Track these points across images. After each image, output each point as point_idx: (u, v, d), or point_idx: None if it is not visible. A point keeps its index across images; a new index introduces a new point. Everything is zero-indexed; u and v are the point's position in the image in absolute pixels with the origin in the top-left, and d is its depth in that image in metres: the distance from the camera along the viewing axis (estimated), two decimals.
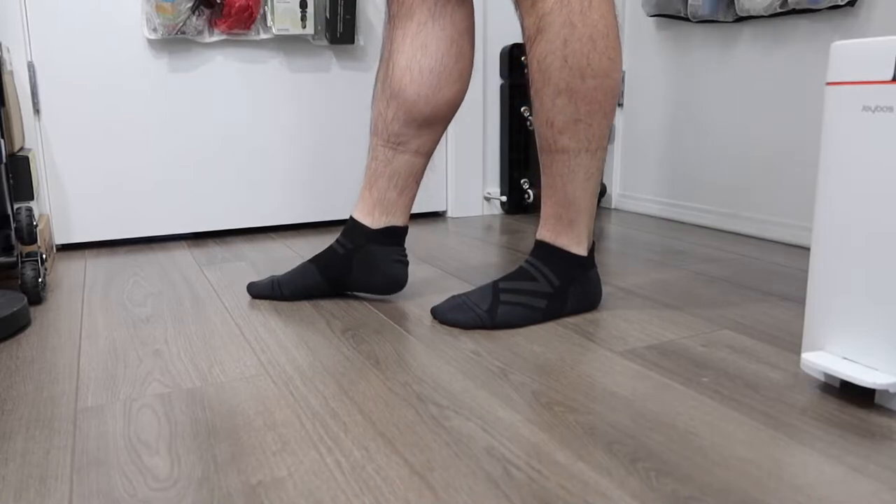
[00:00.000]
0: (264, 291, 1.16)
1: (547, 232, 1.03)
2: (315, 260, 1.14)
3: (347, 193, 1.83)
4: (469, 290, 1.19)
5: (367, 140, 1.82)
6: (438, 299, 1.15)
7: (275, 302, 1.15)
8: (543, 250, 1.04)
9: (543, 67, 0.94)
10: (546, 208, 1.03)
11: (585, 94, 0.93)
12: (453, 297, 1.05)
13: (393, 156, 1.09)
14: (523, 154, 2.00)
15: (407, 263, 1.13)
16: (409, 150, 1.09)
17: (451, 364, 0.87)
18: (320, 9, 1.67)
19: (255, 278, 1.30)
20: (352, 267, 1.11)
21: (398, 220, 1.12)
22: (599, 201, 2.13)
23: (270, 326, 1.03)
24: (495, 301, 1.01)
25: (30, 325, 1.05)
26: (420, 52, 1.03)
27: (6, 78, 1.24)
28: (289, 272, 1.16)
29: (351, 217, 1.12)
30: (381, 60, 1.09)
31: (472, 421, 0.72)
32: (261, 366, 0.88)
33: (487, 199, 2.01)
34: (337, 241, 1.13)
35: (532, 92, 0.98)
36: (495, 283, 1.04)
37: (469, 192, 1.97)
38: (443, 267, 1.37)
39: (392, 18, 1.06)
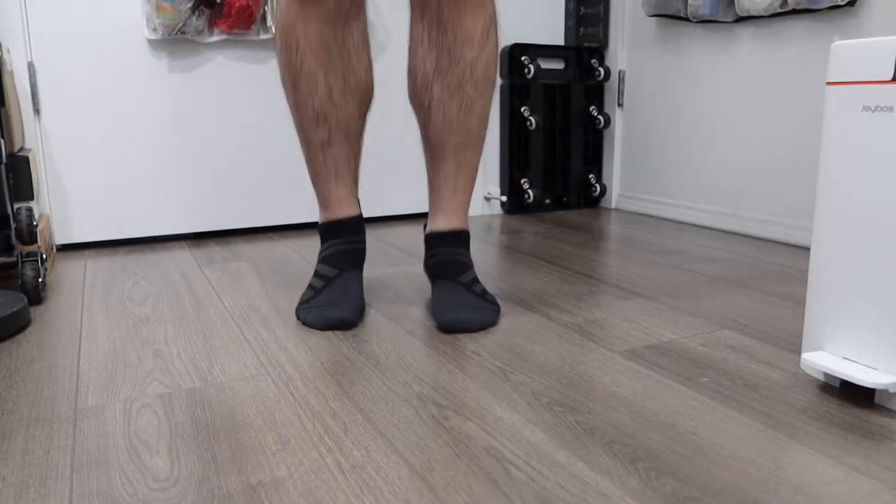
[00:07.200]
0: (339, 322, 1.01)
1: (461, 218, 1.13)
2: (355, 265, 1.10)
3: None
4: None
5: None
6: None
7: (274, 302, 1.15)
8: (460, 237, 1.12)
9: (490, 71, 1.08)
10: (460, 196, 1.13)
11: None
12: (439, 303, 1.04)
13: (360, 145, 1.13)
14: (524, 154, 2.00)
15: None
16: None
17: (451, 364, 0.87)
18: None
19: (256, 278, 1.30)
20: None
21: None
22: (599, 201, 2.14)
23: (270, 326, 1.03)
24: (483, 298, 1.06)
25: (30, 325, 1.05)
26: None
27: (6, 78, 1.24)
28: (335, 291, 1.05)
29: (361, 215, 1.13)
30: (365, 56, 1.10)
31: (472, 421, 0.72)
32: (261, 366, 0.88)
33: (487, 199, 2.01)
34: (357, 240, 1.10)
35: (466, 92, 1.07)
36: (461, 283, 1.07)
37: None
38: None
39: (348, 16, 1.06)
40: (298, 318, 1.05)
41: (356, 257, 1.10)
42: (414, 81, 1.09)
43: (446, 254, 1.10)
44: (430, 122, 1.09)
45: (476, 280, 1.09)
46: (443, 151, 1.09)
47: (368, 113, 1.11)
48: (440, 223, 1.12)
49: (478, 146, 1.11)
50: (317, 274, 1.09)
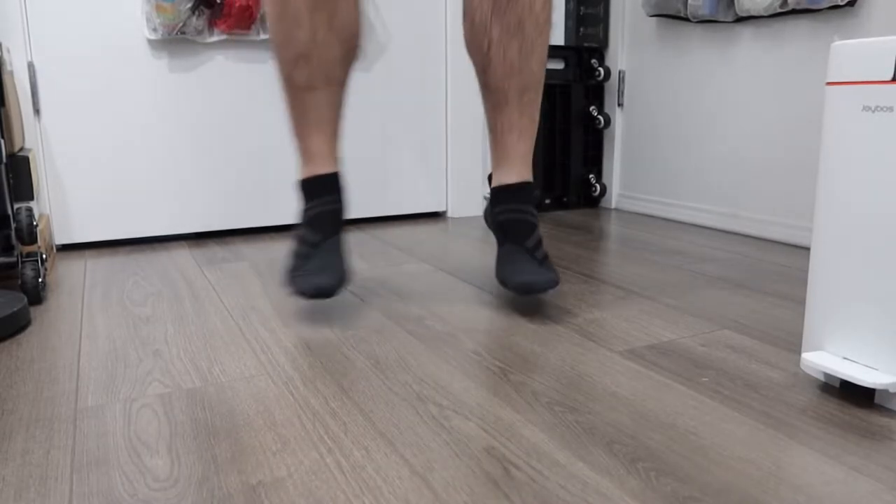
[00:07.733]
0: (329, 289, 1.00)
1: (527, 169, 1.11)
2: (338, 229, 1.08)
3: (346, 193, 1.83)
4: (473, 288, 1.20)
5: (363, 136, 1.82)
6: (438, 299, 1.15)
7: (275, 302, 1.15)
8: (527, 191, 1.10)
9: (548, 9, 1.07)
10: (525, 143, 1.10)
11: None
12: (505, 266, 1.07)
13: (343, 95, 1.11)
14: None
15: None
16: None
17: (451, 364, 0.87)
18: None
19: (256, 278, 1.30)
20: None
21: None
22: (599, 201, 2.14)
23: (270, 326, 1.03)
24: (543, 264, 1.07)
25: (30, 325, 1.05)
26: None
27: (6, 78, 1.24)
28: (319, 258, 1.05)
29: (339, 172, 1.10)
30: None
31: (472, 421, 0.72)
32: (261, 366, 0.88)
33: (487, 199, 2.01)
34: (338, 199, 1.09)
35: (526, 32, 1.05)
36: (526, 248, 1.08)
37: (469, 192, 1.97)
38: (443, 267, 1.37)
39: None
40: (291, 287, 1.02)
41: (338, 219, 1.08)
42: (470, 24, 1.07)
43: (515, 211, 1.09)
44: (490, 66, 1.07)
45: (539, 244, 1.09)
46: (504, 96, 1.08)
47: (354, 62, 1.09)
48: (509, 175, 1.11)
49: (539, 88, 1.10)
50: (302, 240, 1.06)
